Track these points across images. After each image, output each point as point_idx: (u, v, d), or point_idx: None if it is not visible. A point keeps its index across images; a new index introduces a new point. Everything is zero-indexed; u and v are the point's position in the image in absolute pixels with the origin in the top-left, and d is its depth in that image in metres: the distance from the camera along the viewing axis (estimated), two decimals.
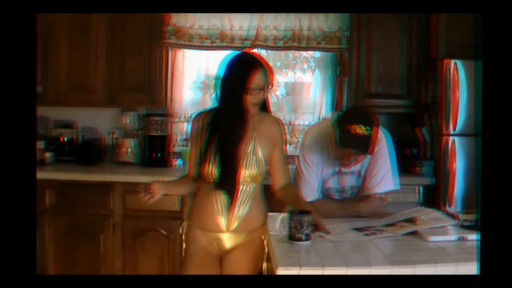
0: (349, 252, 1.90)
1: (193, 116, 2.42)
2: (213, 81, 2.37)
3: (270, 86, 2.29)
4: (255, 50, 3.91)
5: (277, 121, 2.41)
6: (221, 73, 2.27)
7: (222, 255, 2.36)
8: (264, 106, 2.36)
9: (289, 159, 2.50)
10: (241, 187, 2.30)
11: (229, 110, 2.25)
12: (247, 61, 2.27)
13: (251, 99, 2.24)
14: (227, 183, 2.27)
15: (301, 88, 4.31)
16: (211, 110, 2.35)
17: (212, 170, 2.27)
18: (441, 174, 3.54)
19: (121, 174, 3.61)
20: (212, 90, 2.37)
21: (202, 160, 2.30)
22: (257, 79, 2.21)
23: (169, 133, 4.07)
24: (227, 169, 2.26)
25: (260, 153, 2.31)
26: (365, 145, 2.27)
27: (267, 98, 2.38)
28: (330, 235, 2.04)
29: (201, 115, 2.38)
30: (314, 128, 2.62)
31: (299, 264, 1.72)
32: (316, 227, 2.05)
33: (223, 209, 2.30)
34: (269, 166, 2.37)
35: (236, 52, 2.38)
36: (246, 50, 3.76)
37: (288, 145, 3.95)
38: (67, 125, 4.09)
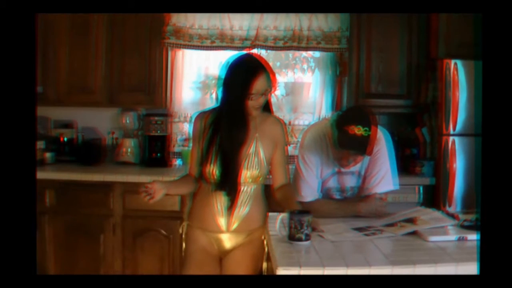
0: (349, 252, 1.90)
1: (195, 116, 2.41)
2: (215, 81, 2.34)
3: (272, 90, 2.28)
4: (255, 50, 3.91)
5: (279, 122, 2.40)
6: (224, 75, 2.25)
7: (222, 256, 2.35)
8: (266, 107, 2.34)
9: (289, 159, 2.49)
10: (242, 188, 2.29)
11: (231, 114, 2.24)
12: (250, 65, 2.24)
13: (253, 103, 2.23)
14: (228, 184, 2.26)
15: (301, 88, 4.30)
16: (213, 110, 2.34)
17: (214, 170, 2.26)
18: (441, 174, 3.54)
19: (121, 174, 3.61)
20: (213, 90, 2.35)
21: (203, 160, 2.29)
22: (259, 84, 2.19)
23: (169, 133, 4.06)
24: (228, 170, 2.25)
25: (262, 154, 2.30)
26: (363, 146, 2.26)
27: (270, 99, 2.36)
28: (330, 235, 2.04)
29: (203, 115, 2.37)
30: (313, 128, 2.61)
31: (299, 264, 1.72)
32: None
33: (223, 210, 2.30)
34: (270, 166, 2.36)
35: (240, 54, 2.34)
36: (248, 51, 3.74)
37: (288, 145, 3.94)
38: (67, 125, 4.09)
